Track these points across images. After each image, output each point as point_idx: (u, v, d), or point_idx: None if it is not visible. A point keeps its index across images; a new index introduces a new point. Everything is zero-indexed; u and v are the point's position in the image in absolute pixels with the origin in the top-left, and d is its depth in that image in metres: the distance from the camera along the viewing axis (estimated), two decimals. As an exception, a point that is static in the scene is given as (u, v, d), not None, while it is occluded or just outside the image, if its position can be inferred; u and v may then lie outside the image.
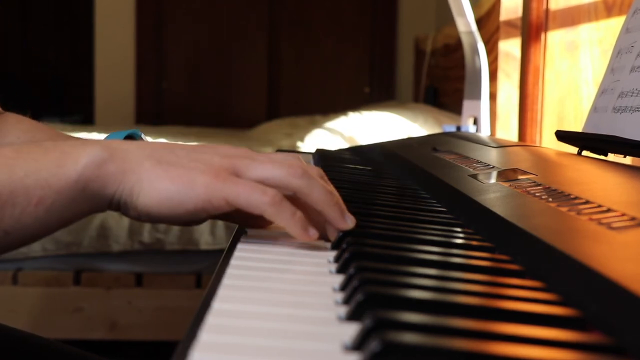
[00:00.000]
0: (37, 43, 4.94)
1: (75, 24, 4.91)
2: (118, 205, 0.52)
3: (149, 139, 0.82)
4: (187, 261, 1.95)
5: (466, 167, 0.80)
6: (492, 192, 0.64)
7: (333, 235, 0.54)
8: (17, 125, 0.81)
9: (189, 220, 0.53)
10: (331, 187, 0.56)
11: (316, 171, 0.56)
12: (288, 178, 0.53)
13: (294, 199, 0.53)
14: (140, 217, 0.53)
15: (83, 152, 0.51)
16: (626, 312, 0.34)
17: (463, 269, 0.47)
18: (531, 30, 1.70)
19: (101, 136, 2.29)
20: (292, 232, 0.52)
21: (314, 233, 0.52)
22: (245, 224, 0.59)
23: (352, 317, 0.37)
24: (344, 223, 0.54)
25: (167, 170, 0.51)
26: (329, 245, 0.55)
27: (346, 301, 0.40)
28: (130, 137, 0.79)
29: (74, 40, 4.93)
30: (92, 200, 0.51)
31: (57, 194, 0.50)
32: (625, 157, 0.85)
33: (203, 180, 0.51)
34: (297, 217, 0.51)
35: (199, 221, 0.54)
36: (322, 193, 0.53)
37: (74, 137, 0.82)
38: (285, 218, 0.51)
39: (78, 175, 0.50)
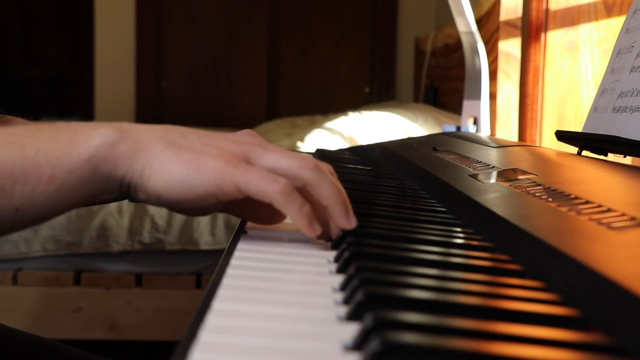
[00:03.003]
0: (37, 43, 4.94)
1: (75, 24, 4.91)
2: (128, 187, 0.52)
3: None
4: (187, 261, 1.95)
5: (466, 167, 0.80)
6: (492, 192, 0.64)
7: (335, 233, 0.54)
8: (6, 126, 0.81)
9: (197, 206, 0.52)
10: (340, 185, 0.56)
11: (327, 167, 0.56)
12: (299, 170, 0.53)
13: (302, 193, 0.53)
14: (150, 199, 0.52)
15: (95, 132, 0.51)
16: (626, 312, 0.34)
17: (463, 268, 0.47)
18: (531, 30, 1.70)
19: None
20: (297, 224, 0.51)
21: (318, 228, 0.52)
22: (250, 218, 0.59)
23: (352, 317, 0.37)
24: (347, 222, 0.54)
25: (179, 153, 0.51)
26: (329, 245, 0.55)
27: (346, 301, 0.40)
28: None
29: (74, 40, 4.93)
30: (103, 181, 0.51)
31: (69, 172, 0.50)
32: (625, 157, 0.85)
33: (214, 165, 0.50)
34: (305, 210, 0.51)
35: (207, 209, 0.54)
36: (332, 188, 0.53)
37: None
38: (293, 209, 0.51)
39: (90, 154, 0.50)
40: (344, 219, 0.54)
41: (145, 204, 0.55)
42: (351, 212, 0.54)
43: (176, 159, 0.51)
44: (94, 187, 0.51)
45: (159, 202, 0.52)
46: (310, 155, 0.57)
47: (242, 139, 0.55)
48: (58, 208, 0.51)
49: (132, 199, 0.54)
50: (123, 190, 0.53)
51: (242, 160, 0.52)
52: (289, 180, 0.51)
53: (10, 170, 0.48)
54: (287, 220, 0.61)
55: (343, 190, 0.55)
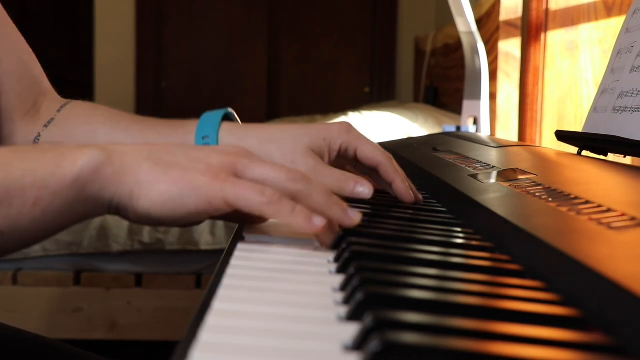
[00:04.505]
0: (37, 43, 4.94)
1: (75, 24, 4.91)
2: (117, 208, 0.52)
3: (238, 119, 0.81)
4: (187, 261, 1.95)
5: (466, 167, 0.80)
6: (492, 192, 0.64)
7: (337, 229, 0.55)
8: (98, 112, 0.80)
9: (189, 222, 0.53)
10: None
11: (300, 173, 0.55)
12: (286, 182, 0.52)
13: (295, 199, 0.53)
14: (141, 220, 0.52)
15: (80, 153, 0.50)
16: (626, 311, 0.34)
17: (463, 268, 0.47)
18: (531, 30, 1.70)
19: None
20: (296, 227, 0.51)
21: (319, 221, 0.51)
22: (245, 222, 0.59)
23: (352, 317, 0.37)
24: (348, 220, 0.53)
25: (166, 172, 0.51)
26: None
27: (346, 301, 0.40)
28: (226, 116, 0.76)
29: (74, 40, 4.93)
30: (90, 203, 0.51)
31: (55, 194, 0.49)
32: (625, 157, 0.85)
33: (202, 181, 0.50)
34: (297, 211, 0.51)
35: (199, 222, 0.54)
36: (322, 195, 0.53)
37: (161, 120, 0.79)
38: (285, 215, 0.50)
39: (75, 176, 0.50)
40: (344, 219, 0.53)
41: (137, 224, 0.54)
42: (348, 208, 0.54)
43: (164, 178, 0.51)
44: (80, 209, 0.51)
45: (150, 221, 0.52)
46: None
47: (229, 151, 0.54)
48: (45, 231, 0.51)
49: (122, 218, 0.54)
50: (112, 211, 0.52)
51: (229, 173, 0.52)
52: (276, 191, 0.51)
53: None
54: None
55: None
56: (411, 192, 0.70)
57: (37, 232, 0.50)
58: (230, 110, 0.78)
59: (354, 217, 0.54)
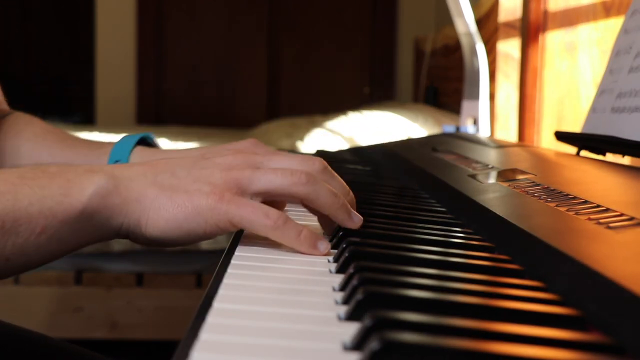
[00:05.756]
0: (37, 43, 4.94)
1: (76, 24, 4.90)
2: (127, 234, 0.53)
3: (160, 142, 0.83)
4: (187, 261, 1.95)
5: (466, 167, 0.80)
6: (491, 192, 0.64)
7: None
8: (28, 127, 0.81)
9: (200, 240, 0.53)
10: (337, 182, 0.56)
11: (319, 164, 0.56)
12: (292, 187, 0.53)
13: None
14: (152, 244, 0.53)
15: (88, 181, 0.51)
16: (625, 311, 0.34)
17: (462, 268, 0.47)
18: (530, 31, 1.70)
19: (102, 136, 2.29)
20: (301, 252, 0.52)
21: (324, 247, 0.52)
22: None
23: (351, 316, 0.37)
24: (351, 223, 0.54)
25: (172, 197, 0.51)
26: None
27: (346, 301, 0.40)
28: (143, 140, 0.79)
29: (75, 40, 4.93)
30: (98, 230, 0.52)
31: (62, 223, 0.49)
32: (623, 157, 0.85)
33: (208, 204, 0.51)
34: (302, 237, 0.51)
35: (208, 239, 0.55)
36: (328, 198, 0.53)
37: (84, 140, 0.81)
38: (290, 240, 0.51)
39: (83, 206, 0.50)
40: (347, 222, 0.54)
41: (148, 247, 0.56)
42: (353, 211, 0.55)
43: (170, 204, 0.51)
44: (88, 236, 0.52)
45: (162, 245, 0.53)
46: (313, 159, 0.57)
47: (232, 162, 0.54)
48: (50, 256, 0.51)
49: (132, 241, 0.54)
50: (120, 237, 0.53)
51: (234, 192, 0.52)
52: (281, 213, 0.51)
53: (2, 221, 0.48)
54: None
55: (344, 185, 0.56)
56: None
57: (41, 258, 0.51)
58: (151, 135, 0.81)
59: (357, 221, 0.55)
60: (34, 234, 0.49)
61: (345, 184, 0.58)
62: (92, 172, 0.52)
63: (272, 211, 0.51)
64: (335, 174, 0.57)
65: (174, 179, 0.53)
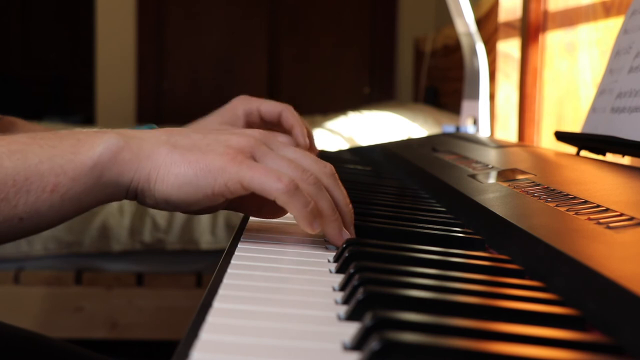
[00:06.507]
0: (37, 43, 4.94)
1: (76, 24, 4.91)
2: (135, 193, 0.52)
3: None
4: (187, 261, 1.95)
5: (465, 167, 0.80)
6: (491, 192, 0.64)
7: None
8: (26, 130, 0.81)
9: (206, 205, 0.52)
10: (340, 192, 0.55)
11: (329, 169, 0.56)
12: (299, 182, 0.52)
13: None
14: (159, 204, 0.52)
15: (98, 139, 0.51)
16: (624, 311, 0.34)
17: (462, 268, 0.47)
18: (530, 31, 1.70)
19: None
20: (298, 221, 0.51)
21: (317, 227, 0.51)
22: (255, 214, 0.59)
23: (351, 316, 0.38)
24: (337, 240, 0.53)
25: (184, 155, 0.51)
26: (329, 245, 0.55)
27: (346, 301, 0.40)
28: None
29: (75, 40, 4.93)
30: (108, 188, 0.51)
31: (73, 180, 0.49)
32: (623, 157, 0.86)
33: (220, 163, 0.50)
34: (308, 209, 0.50)
35: (215, 207, 0.54)
36: (327, 207, 0.53)
37: None
38: (297, 207, 0.50)
39: (94, 162, 0.50)
40: (335, 237, 0.53)
41: (155, 208, 0.55)
42: (344, 229, 0.54)
43: (182, 161, 0.51)
44: (99, 194, 0.51)
45: (168, 205, 0.52)
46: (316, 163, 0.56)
47: (250, 132, 0.54)
48: (63, 215, 0.51)
49: (140, 204, 0.54)
50: (130, 196, 0.53)
51: (247, 156, 0.51)
52: (293, 178, 0.50)
53: (13, 179, 0.48)
54: (287, 220, 0.61)
55: (345, 196, 0.55)
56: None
57: (54, 217, 0.51)
58: (155, 126, 0.80)
59: (344, 239, 0.53)
60: (45, 191, 0.49)
61: (347, 195, 0.56)
62: (103, 132, 0.52)
63: (285, 175, 0.50)
64: (340, 184, 0.56)
65: (188, 140, 0.52)
